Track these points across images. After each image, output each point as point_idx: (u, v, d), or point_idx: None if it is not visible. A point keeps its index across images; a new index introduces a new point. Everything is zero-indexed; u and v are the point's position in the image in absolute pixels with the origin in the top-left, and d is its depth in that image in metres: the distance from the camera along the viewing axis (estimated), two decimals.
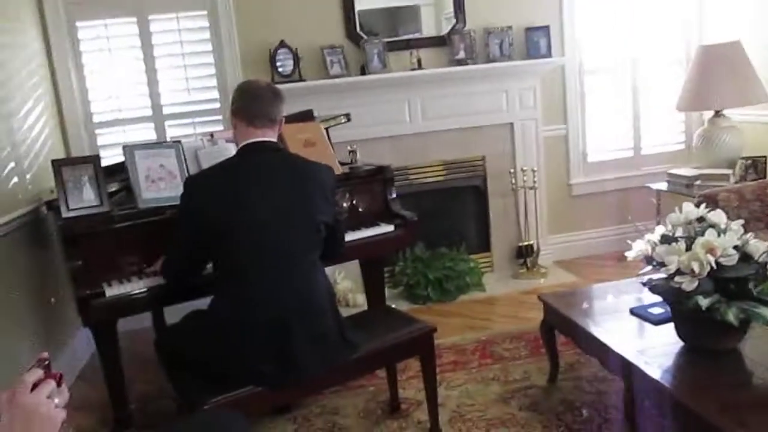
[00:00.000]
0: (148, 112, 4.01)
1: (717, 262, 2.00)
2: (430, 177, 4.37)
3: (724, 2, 4.55)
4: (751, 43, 4.15)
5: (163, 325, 3.11)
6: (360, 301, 3.92)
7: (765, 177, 3.93)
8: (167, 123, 4.03)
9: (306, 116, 3.19)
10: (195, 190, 2.14)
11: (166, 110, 4.03)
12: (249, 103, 2.20)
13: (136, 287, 2.38)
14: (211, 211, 2.08)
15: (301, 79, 3.98)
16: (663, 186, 4.34)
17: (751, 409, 1.80)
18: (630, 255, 2.28)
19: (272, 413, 2.75)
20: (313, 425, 2.72)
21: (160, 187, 2.58)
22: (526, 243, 4.43)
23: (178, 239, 2.21)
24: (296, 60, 3.98)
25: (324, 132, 3.09)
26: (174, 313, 2.56)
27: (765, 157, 4.01)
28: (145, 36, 3.92)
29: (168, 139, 3.45)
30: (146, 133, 4.01)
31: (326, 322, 2.19)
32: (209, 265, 2.28)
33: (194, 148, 2.74)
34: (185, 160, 2.68)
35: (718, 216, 2.16)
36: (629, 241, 2.29)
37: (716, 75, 4.01)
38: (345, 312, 2.42)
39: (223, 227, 2.07)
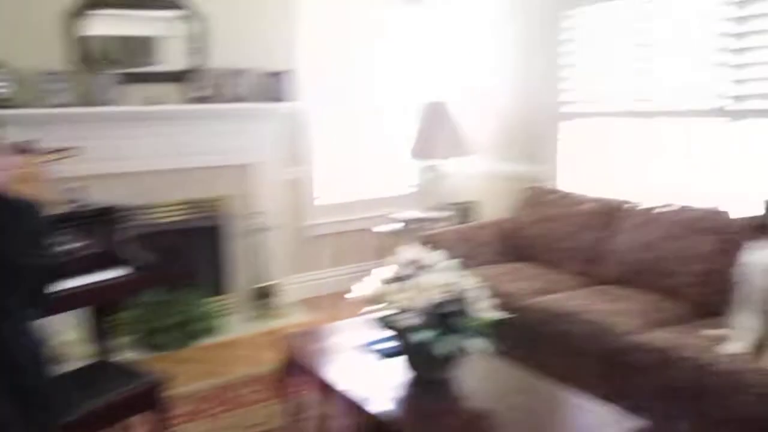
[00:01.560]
0: None
1: (436, 299, 2.19)
2: (168, 216, 4.18)
3: (443, 64, 5.14)
4: (459, 103, 4.74)
5: None
6: (85, 352, 3.56)
7: (477, 220, 4.47)
8: None
9: (21, 148, 2.85)
10: None
11: None
12: None
13: None
14: None
15: (19, 106, 3.55)
16: (391, 228, 4.68)
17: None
18: (358, 294, 2.40)
19: None
20: None
21: None
22: (265, 284, 4.43)
23: None
24: (14, 84, 3.55)
25: (44, 166, 2.79)
26: None
27: (476, 202, 4.57)
28: None
29: None
30: None
31: (26, 380, 1.93)
32: None
33: None
34: None
35: (437, 256, 2.39)
36: (359, 281, 2.42)
37: (436, 129, 4.50)
38: (68, 366, 2.18)
39: None
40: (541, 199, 3.88)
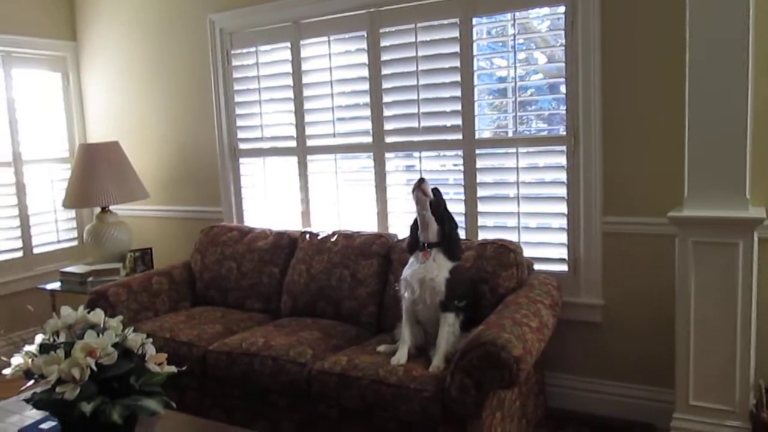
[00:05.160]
0: None
1: (98, 364, 1.97)
2: None
3: (103, 104, 4.78)
4: (130, 144, 4.46)
5: None
6: None
7: (153, 267, 4.21)
8: None
9: None
10: None
11: None
12: None
13: None
14: None
15: None
16: (58, 285, 4.18)
17: None
18: (7, 372, 2.05)
19: None
20: None
21: None
22: None
23: None
24: None
25: None
26: None
27: (151, 248, 4.31)
28: None
29: None
30: None
31: None
32: None
33: None
34: None
35: (98, 315, 2.15)
36: (3, 358, 2.07)
37: (100, 173, 4.12)
38: None
39: None
40: (221, 239, 3.80)
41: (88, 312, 2.17)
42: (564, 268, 3.24)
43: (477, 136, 3.36)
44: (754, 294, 2.56)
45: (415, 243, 2.85)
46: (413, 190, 2.79)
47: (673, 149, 2.84)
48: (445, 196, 2.86)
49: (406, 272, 2.83)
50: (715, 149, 2.55)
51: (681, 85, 2.63)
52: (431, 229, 2.79)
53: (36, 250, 4.58)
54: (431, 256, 2.77)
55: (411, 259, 2.85)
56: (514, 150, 3.27)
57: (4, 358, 2.06)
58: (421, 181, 2.79)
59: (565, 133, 3.16)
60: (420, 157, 3.54)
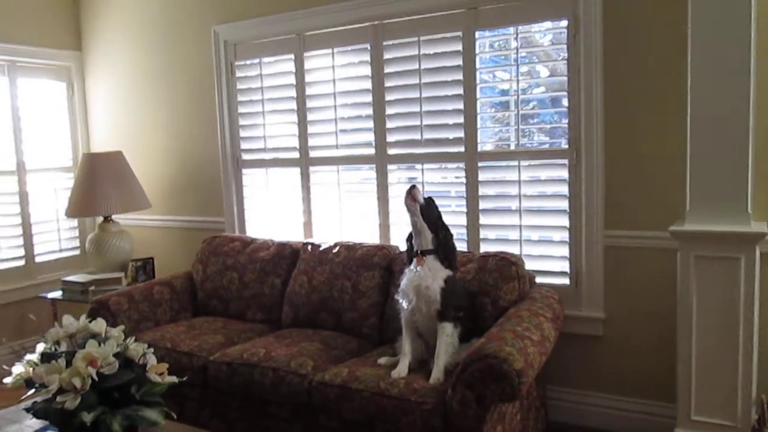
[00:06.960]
0: None
1: (99, 373, 1.97)
2: None
3: (107, 114, 4.80)
4: (133, 154, 4.48)
5: None
6: None
7: (154, 277, 4.21)
8: None
9: None
10: None
11: None
12: None
13: None
14: None
15: None
16: (59, 294, 4.18)
17: None
18: (8, 381, 2.05)
19: None
20: None
21: None
22: None
23: None
24: None
25: None
26: None
27: (152, 258, 4.32)
28: None
29: None
30: None
31: None
32: None
33: None
34: None
35: (99, 325, 2.16)
36: (5, 367, 2.07)
37: (103, 182, 4.14)
38: None
39: None
40: (222, 249, 3.80)
41: (90, 321, 2.17)
42: (566, 281, 3.24)
43: (479, 149, 3.37)
44: (756, 308, 2.56)
45: (410, 251, 2.87)
46: (404, 197, 2.82)
47: (675, 163, 2.85)
48: (447, 209, 2.87)
49: (403, 282, 2.84)
50: (716, 163, 2.55)
51: (683, 99, 2.65)
52: (424, 236, 2.81)
53: (38, 259, 4.59)
54: (425, 263, 2.78)
55: (406, 269, 2.86)
56: (516, 163, 3.28)
57: (5, 367, 2.07)
58: (412, 187, 2.84)
59: (567, 146, 3.17)
60: (422, 170, 3.55)
